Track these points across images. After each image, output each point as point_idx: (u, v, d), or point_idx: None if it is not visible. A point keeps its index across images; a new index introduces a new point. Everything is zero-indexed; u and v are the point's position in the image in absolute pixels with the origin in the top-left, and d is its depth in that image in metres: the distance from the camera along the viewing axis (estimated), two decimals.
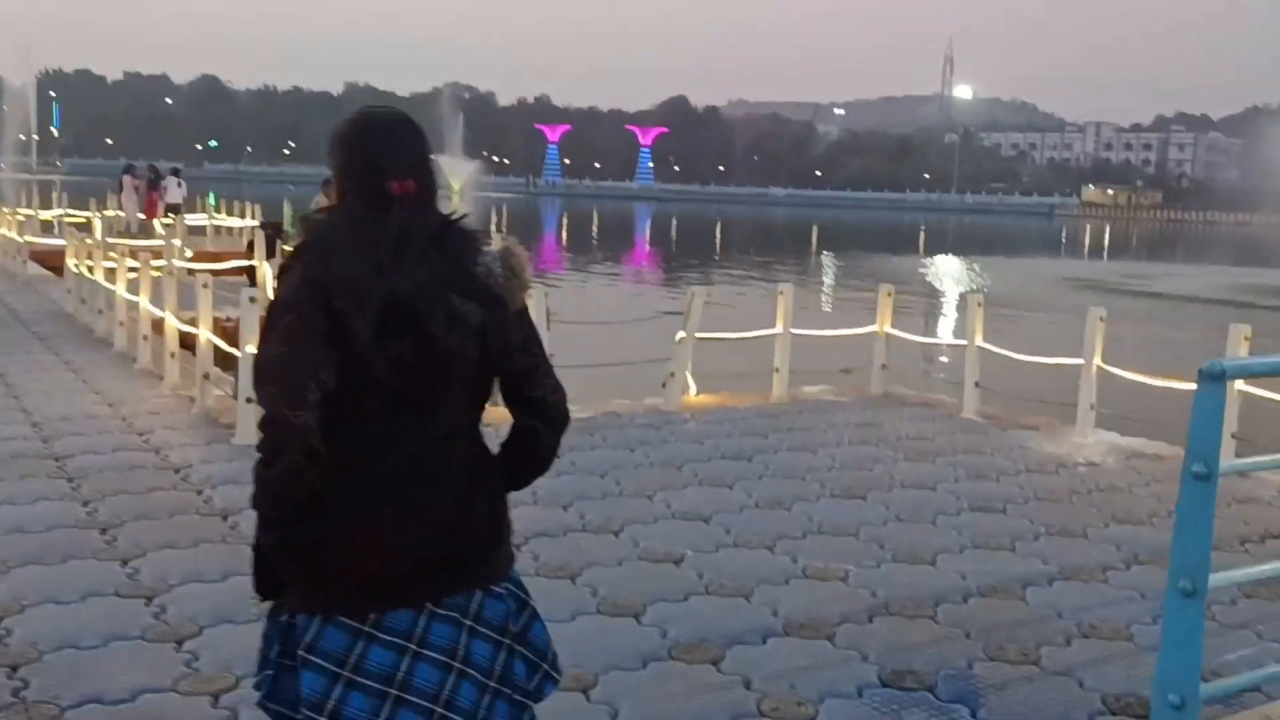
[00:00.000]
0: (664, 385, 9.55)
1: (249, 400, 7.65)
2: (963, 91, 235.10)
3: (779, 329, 9.89)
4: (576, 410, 8.48)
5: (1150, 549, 5.89)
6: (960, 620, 4.83)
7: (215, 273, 19.20)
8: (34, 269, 19.71)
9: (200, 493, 6.50)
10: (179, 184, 28.42)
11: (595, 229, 70.70)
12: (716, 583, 5.21)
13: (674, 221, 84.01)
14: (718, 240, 63.09)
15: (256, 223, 22.29)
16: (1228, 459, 7.19)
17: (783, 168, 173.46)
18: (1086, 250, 68.91)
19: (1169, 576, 2.68)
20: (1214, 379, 2.56)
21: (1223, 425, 2.60)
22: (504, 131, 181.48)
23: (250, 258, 16.37)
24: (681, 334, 9.48)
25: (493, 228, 40.51)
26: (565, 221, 77.53)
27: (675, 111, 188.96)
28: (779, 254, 49.29)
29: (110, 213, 27.39)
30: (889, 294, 10.36)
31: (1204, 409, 2.57)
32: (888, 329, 10.24)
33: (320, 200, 18.85)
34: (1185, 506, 2.64)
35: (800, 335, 10.06)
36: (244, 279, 15.85)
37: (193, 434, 7.91)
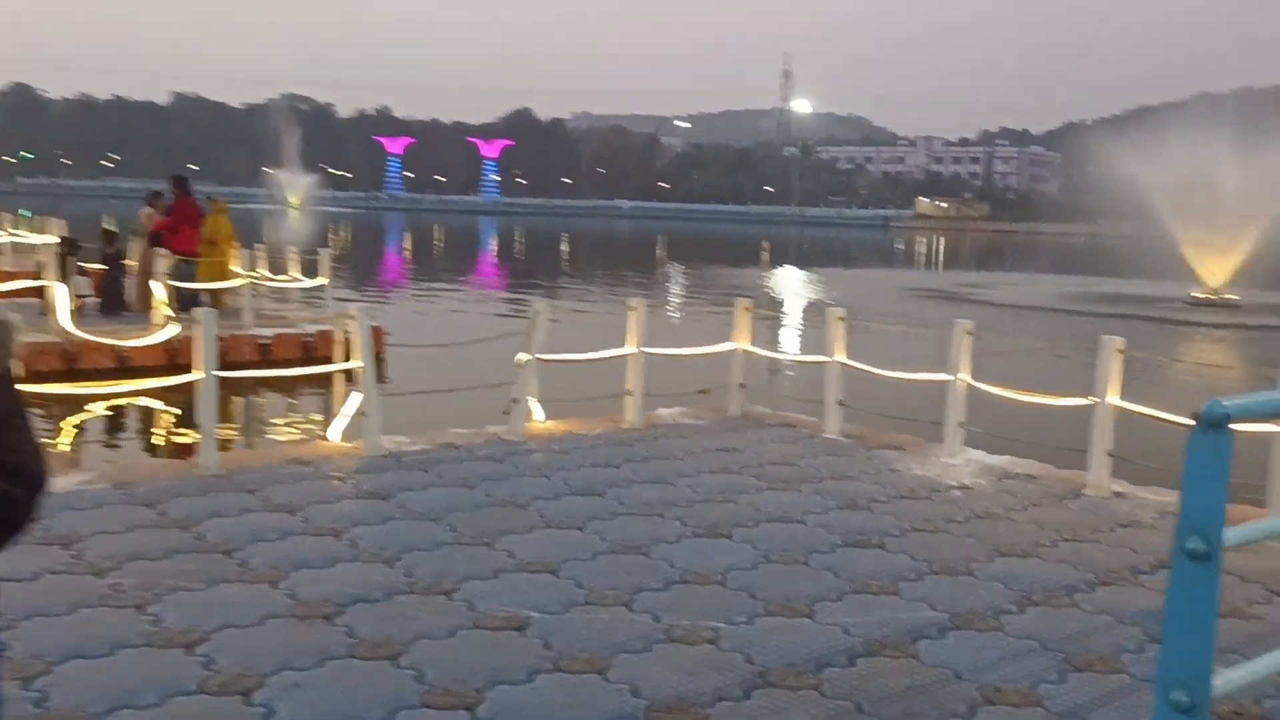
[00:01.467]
0: (506, 413, 8.73)
1: None
2: (801, 106, 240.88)
3: (630, 348, 9.19)
4: (409, 443, 7.63)
5: (1042, 587, 5.39)
6: (848, 689, 4.18)
7: (2, 294, 17.56)
8: None
9: None
10: None
11: (439, 244, 69.05)
12: (567, 654, 4.43)
13: (520, 235, 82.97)
14: (564, 254, 62.39)
15: (57, 239, 20.36)
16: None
17: (628, 180, 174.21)
18: (924, 261, 70.95)
19: (1158, 689, 2.04)
20: (1215, 425, 1.93)
21: (1226, 485, 1.96)
22: (344, 144, 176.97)
23: (40, 278, 14.79)
24: (524, 356, 8.68)
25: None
26: (408, 236, 75.50)
27: (519, 124, 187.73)
28: (626, 267, 48.91)
29: None
30: (746, 309, 9.79)
31: (1202, 465, 1.94)
32: (745, 346, 9.66)
33: (146, 214, 17.32)
34: (1178, 595, 1.99)
35: (653, 354, 9.38)
36: (37, 300, 14.30)
37: None
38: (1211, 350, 23.57)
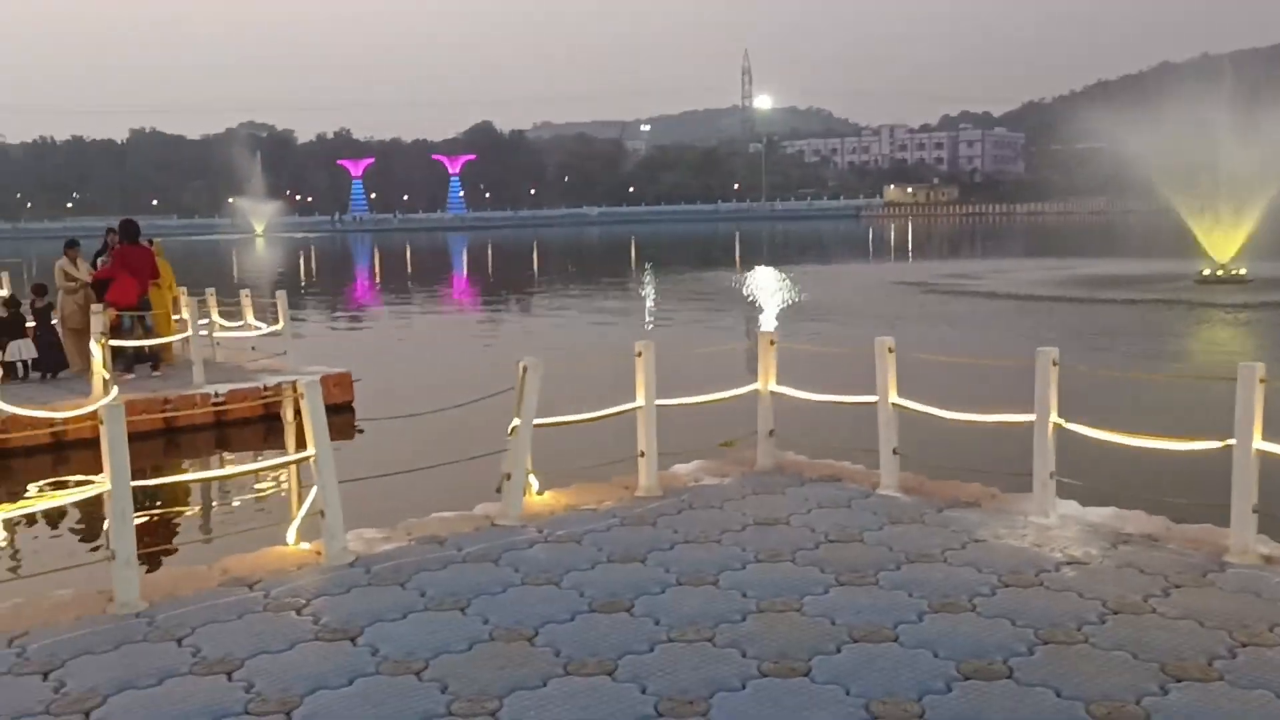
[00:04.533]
0: (499, 490, 7.23)
1: None
2: (762, 102, 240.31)
3: (640, 401, 7.69)
4: (382, 540, 6.00)
5: None
6: None
7: None
8: None
9: None
10: None
11: (408, 263, 67.23)
12: None
13: (490, 249, 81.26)
14: (536, 266, 60.77)
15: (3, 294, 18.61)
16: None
17: (595, 187, 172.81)
18: (906, 250, 69.70)
19: None
20: None
21: None
22: (305, 169, 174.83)
23: None
24: (516, 422, 7.18)
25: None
26: (376, 257, 73.71)
27: (481, 138, 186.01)
28: (601, 275, 47.33)
29: None
30: (771, 342, 8.30)
31: None
32: (772, 387, 8.19)
33: (63, 265, 15.66)
34: None
35: (667, 406, 7.88)
36: None
37: None
38: (1256, 338, 22.11)
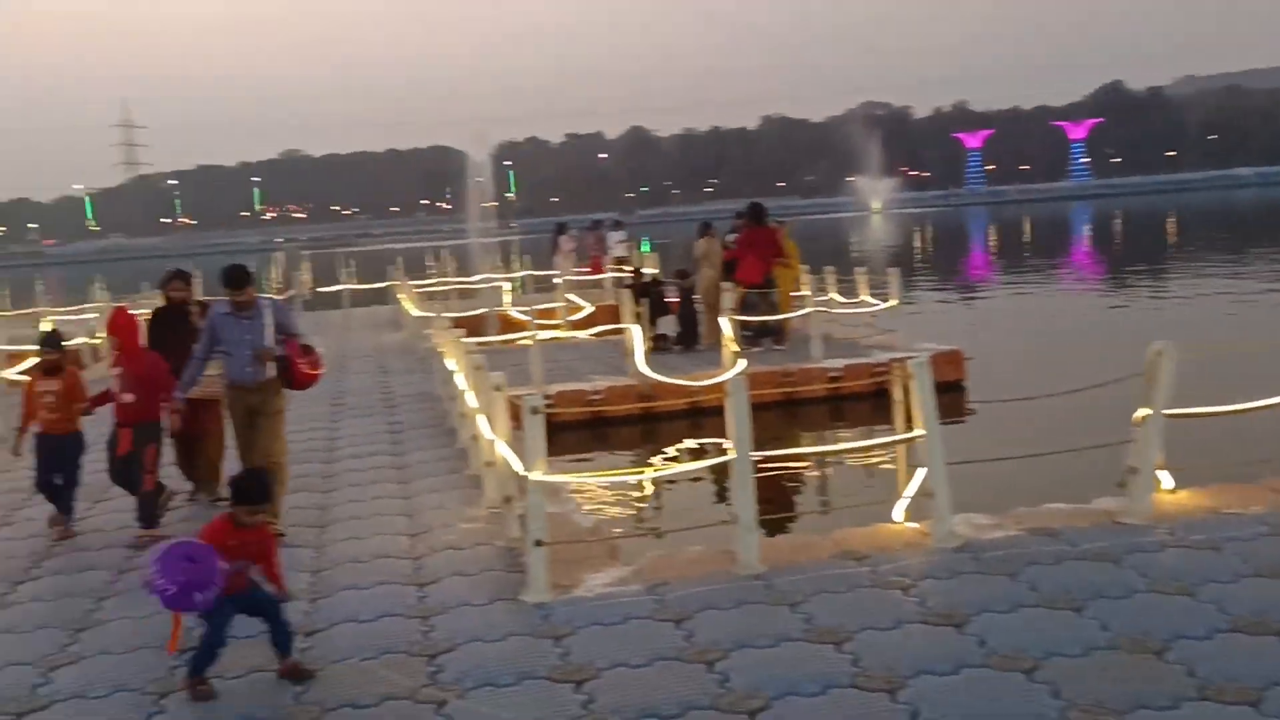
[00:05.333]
0: (1121, 485, 6.65)
1: (538, 543, 5.85)
2: None
3: None
4: (990, 527, 5.72)
5: None
6: None
7: (601, 334, 18.37)
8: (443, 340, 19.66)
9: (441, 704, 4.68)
10: (620, 236, 27.64)
11: (1025, 235, 64.81)
12: None
13: (1118, 219, 75.56)
14: (1171, 235, 55.32)
15: (651, 273, 20.93)
16: None
17: (1248, 144, 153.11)
18: None
19: None
20: None
21: None
22: (921, 144, 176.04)
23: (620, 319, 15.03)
24: (1145, 411, 6.53)
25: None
26: (992, 231, 72.05)
27: (1109, 99, 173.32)
28: (1256, 246, 41.67)
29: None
30: None
31: None
32: None
33: (701, 244, 17.29)
34: None
35: None
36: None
37: (479, 587, 6.18)
38: None
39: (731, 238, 16.92)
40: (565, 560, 6.30)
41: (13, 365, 14.44)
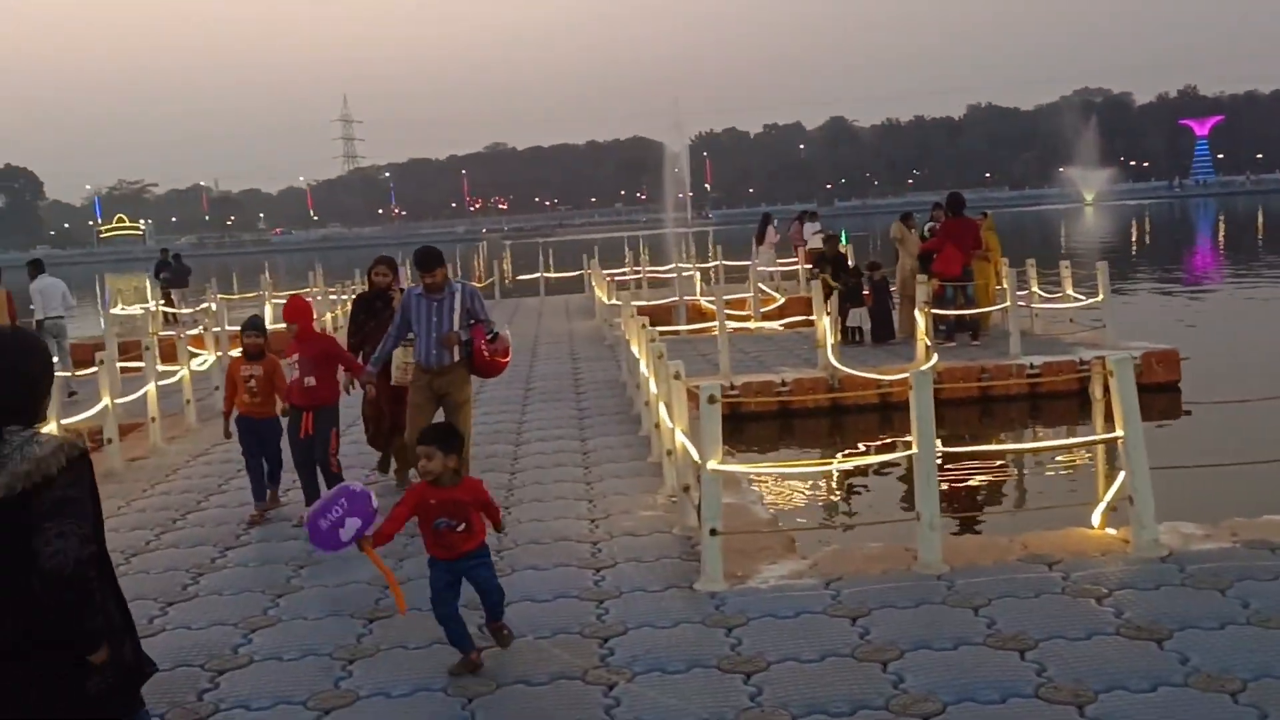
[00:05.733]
0: None
1: (712, 532, 5.81)
2: None
3: None
4: (1199, 536, 5.31)
5: None
6: None
7: (791, 325, 18.16)
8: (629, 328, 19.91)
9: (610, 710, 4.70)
10: (815, 228, 27.36)
11: (1259, 230, 60.18)
12: None
13: None
14: None
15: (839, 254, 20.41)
16: None
17: None
18: None
19: None
20: None
21: None
22: (1142, 132, 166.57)
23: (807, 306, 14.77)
24: None
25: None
26: (1220, 224, 67.33)
27: None
28: None
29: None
30: None
31: None
32: None
33: (896, 226, 16.87)
34: None
35: None
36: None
37: (654, 574, 6.19)
38: None
39: (930, 227, 16.43)
40: (742, 551, 6.24)
41: (234, 347, 15.42)
